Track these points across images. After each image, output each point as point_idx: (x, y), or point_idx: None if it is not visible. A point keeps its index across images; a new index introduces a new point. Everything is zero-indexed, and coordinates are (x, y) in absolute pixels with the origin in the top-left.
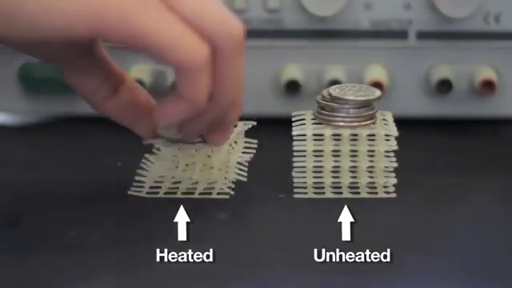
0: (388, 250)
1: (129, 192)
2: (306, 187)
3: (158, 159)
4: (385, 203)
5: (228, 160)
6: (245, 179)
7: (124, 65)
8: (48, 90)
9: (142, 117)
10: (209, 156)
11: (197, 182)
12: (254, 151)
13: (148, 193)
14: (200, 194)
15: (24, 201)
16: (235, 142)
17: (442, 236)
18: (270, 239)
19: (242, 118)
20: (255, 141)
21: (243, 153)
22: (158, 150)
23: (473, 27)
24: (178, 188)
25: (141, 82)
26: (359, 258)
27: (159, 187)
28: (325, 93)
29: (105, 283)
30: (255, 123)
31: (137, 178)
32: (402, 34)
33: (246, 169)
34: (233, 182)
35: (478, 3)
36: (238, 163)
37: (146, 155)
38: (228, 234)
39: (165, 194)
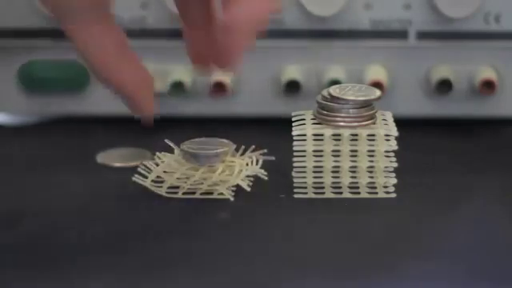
0: (388, 249)
1: (133, 178)
2: (306, 187)
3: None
4: (385, 203)
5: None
6: (248, 188)
7: None
8: (48, 90)
9: None
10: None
11: (201, 181)
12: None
13: (152, 184)
14: (201, 194)
15: (24, 201)
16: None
17: (442, 236)
18: (269, 239)
19: (242, 119)
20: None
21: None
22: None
23: (473, 27)
24: (179, 187)
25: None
26: (359, 258)
27: (161, 186)
28: (325, 93)
29: (105, 283)
30: (273, 158)
31: (145, 169)
32: (402, 34)
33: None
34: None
35: (477, 3)
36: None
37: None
38: (228, 234)
39: (166, 192)
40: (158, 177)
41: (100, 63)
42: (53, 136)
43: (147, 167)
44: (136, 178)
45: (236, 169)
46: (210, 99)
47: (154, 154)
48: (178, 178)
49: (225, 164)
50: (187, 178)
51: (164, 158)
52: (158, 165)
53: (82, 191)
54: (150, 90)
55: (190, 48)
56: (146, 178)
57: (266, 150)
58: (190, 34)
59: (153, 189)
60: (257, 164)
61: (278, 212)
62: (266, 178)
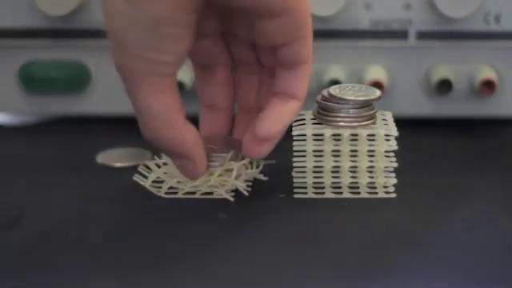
0: (388, 249)
1: (133, 178)
2: (306, 187)
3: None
4: (385, 203)
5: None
6: (246, 193)
7: None
8: (48, 90)
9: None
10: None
11: (200, 185)
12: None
13: (152, 185)
14: (201, 194)
15: (24, 201)
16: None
17: (442, 236)
18: (269, 239)
19: None
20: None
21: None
22: None
23: (473, 27)
24: (178, 188)
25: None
26: (359, 258)
27: (161, 187)
28: (325, 93)
29: (105, 283)
30: (273, 161)
31: (145, 170)
32: (402, 34)
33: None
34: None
35: (477, 3)
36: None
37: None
38: (228, 233)
39: (166, 193)
40: (158, 177)
41: (161, 126)
42: (53, 136)
43: (148, 167)
44: (136, 178)
45: (234, 172)
46: None
47: (154, 154)
48: (178, 182)
49: (223, 168)
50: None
51: (165, 159)
52: (159, 166)
53: (81, 191)
54: (203, 151)
55: (204, 126)
56: (146, 178)
57: None
58: (208, 116)
59: (152, 190)
60: (257, 167)
61: (277, 212)
62: (266, 179)
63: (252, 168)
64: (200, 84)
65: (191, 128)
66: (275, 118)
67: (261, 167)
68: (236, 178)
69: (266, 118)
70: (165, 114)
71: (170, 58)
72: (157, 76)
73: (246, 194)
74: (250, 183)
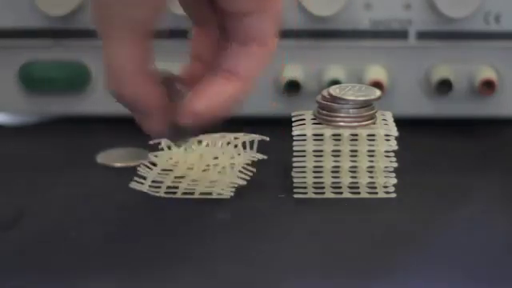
0: (388, 249)
1: (130, 185)
2: (306, 187)
3: (163, 156)
4: (385, 203)
5: (232, 164)
6: (244, 182)
7: None
8: (48, 90)
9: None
10: (215, 158)
11: (197, 182)
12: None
13: (150, 186)
14: (200, 194)
15: (23, 201)
16: (243, 147)
17: (442, 236)
18: (269, 239)
19: (242, 119)
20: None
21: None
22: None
23: (473, 27)
24: (177, 188)
25: None
26: (359, 258)
27: (159, 187)
28: (325, 93)
29: (105, 283)
30: (267, 139)
31: (141, 171)
32: (402, 34)
33: (249, 173)
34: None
35: (477, 3)
36: (242, 168)
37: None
38: (228, 233)
39: (165, 193)
40: (155, 178)
41: (121, 81)
42: (53, 136)
43: (142, 175)
44: (133, 185)
45: (225, 163)
46: None
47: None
48: (175, 177)
49: (212, 164)
50: (183, 177)
51: (157, 158)
52: (155, 164)
53: (81, 191)
54: (162, 113)
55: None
56: (145, 179)
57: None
58: (190, 64)
59: (151, 192)
60: (251, 148)
61: (277, 212)
62: (264, 157)
63: (245, 149)
64: (193, 37)
65: (154, 89)
66: (209, 97)
67: (255, 144)
68: (231, 170)
69: (201, 94)
70: (128, 69)
71: (145, 13)
72: (130, 31)
73: (244, 182)
74: (248, 177)
